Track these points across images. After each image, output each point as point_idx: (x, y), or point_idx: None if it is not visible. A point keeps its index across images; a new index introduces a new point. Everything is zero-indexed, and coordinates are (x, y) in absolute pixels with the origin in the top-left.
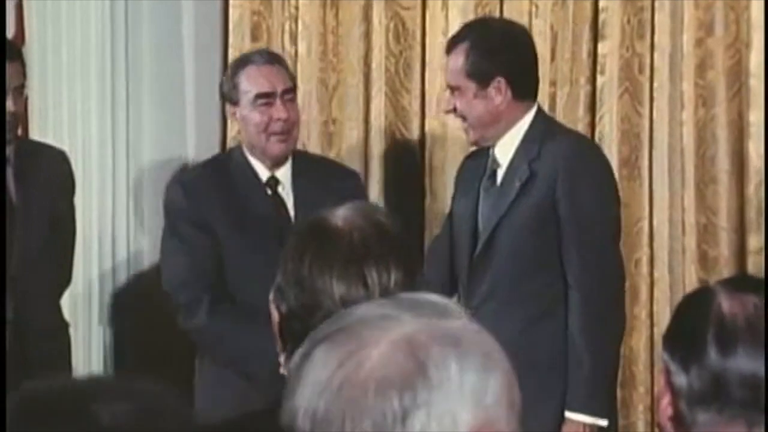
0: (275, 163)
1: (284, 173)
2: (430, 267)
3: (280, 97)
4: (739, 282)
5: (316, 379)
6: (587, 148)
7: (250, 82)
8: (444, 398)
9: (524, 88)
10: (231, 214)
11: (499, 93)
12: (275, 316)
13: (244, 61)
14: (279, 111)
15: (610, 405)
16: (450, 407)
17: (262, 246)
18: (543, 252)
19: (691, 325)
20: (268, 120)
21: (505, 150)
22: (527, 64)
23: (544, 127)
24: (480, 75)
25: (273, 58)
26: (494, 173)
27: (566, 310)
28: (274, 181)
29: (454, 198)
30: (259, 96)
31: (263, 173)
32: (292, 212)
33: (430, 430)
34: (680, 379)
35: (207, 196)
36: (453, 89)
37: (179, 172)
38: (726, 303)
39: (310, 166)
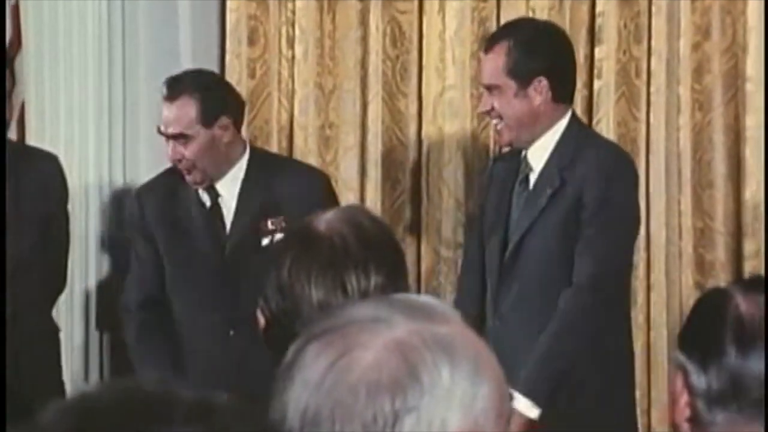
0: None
1: (227, 183)
2: (464, 275)
3: (172, 138)
4: (755, 283)
5: (306, 377)
6: (618, 158)
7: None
8: (434, 403)
9: (564, 90)
10: (170, 227)
11: (539, 93)
12: (261, 322)
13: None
14: (170, 151)
15: (548, 399)
16: (440, 412)
17: (194, 261)
18: (570, 260)
19: (709, 326)
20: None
21: (538, 154)
22: (567, 66)
23: (578, 133)
24: (521, 74)
25: (175, 91)
26: (527, 178)
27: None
28: (214, 193)
29: (484, 200)
30: (159, 131)
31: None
32: (229, 223)
33: None
34: (699, 380)
35: (154, 208)
36: (490, 88)
37: (144, 183)
38: (743, 304)
39: (264, 171)
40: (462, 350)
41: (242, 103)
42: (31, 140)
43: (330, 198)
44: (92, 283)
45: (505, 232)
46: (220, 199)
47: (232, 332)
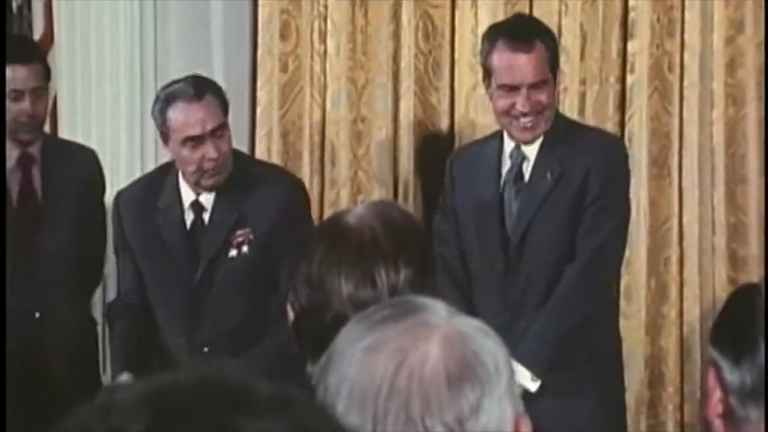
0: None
1: (207, 197)
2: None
3: (211, 135)
4: None
5: (371, 385)
6: (621, 148)
7: (179, 123)
8: (498, 387)
9: None
10: (146, 240)
11: (559, 84)
12: (291, 315)
13: (172, 96)
14: (210, 151)
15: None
16: (501, 396)
17: (168, 276)
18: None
19: (742, 321)
20: (200, 159)
21: (531, 146)
22: None
23: (566, 124)
24: (555, 68)
25: (200, 90)
26: (520, 167)
27: (604, 309)
28: (198, 205)
29: (453, 194)
30: (188, 139)
31: (188, 197)
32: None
33: (492, 418)
34: (732, 376)
35: (132, 216)
36: (538, 85)
37: (124, 188)
38: None
39: (239, 181)
40: (497, 338)
41: None
42: (64, 135)
43: (296, 208)
44: None
45: (501, 223)
46: (205, 214)
47: (206, 349)
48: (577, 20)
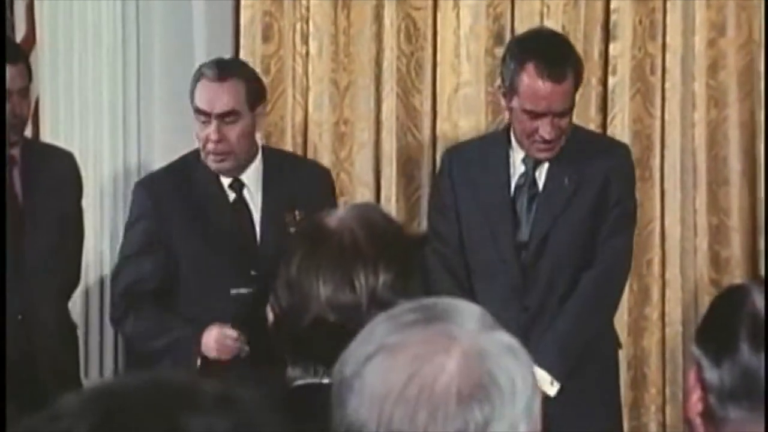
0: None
1: (250, 175)
2: (448, 276)
3: (217, 118)
4: None
5: (382, 387)
6: (630, 153)
7: (197, 96)
8: (511, 409)
9: None
10: (191, 225)
11: None
12: (270, 317)
13: (200, 71)
14: (212, 133)
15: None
16: (515, 418)
17: (220, 258)
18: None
19: (725, 321)
20: (205, 138)
21: None
22: None
23: (573, 127)
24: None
25: (226, 74)
26: (533, 173)
27: None
28: (238, 184)
29: (453, 193)
30: (197, 111)
31: (225, 177)
32: (257, 215)
33: None
34: (712, 375)
35: (169, 205)
36: (564, 113)
37: (147, 175)
38: (760, 299)
39: (281, 165)
40: (523, 356)
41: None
42: (46, 137)
43: (334, 191)
44: (107, 278)
45: (514, 227)
46: (245, 191)
47: None
48: (559, 22)
